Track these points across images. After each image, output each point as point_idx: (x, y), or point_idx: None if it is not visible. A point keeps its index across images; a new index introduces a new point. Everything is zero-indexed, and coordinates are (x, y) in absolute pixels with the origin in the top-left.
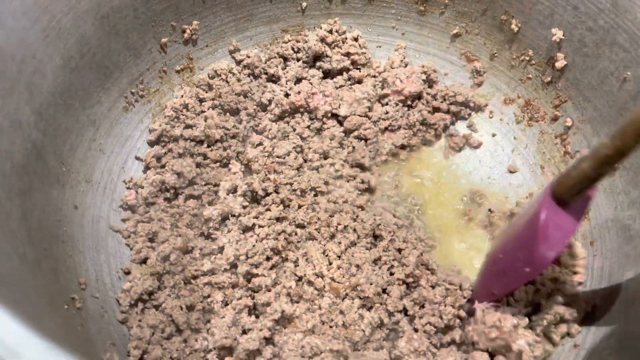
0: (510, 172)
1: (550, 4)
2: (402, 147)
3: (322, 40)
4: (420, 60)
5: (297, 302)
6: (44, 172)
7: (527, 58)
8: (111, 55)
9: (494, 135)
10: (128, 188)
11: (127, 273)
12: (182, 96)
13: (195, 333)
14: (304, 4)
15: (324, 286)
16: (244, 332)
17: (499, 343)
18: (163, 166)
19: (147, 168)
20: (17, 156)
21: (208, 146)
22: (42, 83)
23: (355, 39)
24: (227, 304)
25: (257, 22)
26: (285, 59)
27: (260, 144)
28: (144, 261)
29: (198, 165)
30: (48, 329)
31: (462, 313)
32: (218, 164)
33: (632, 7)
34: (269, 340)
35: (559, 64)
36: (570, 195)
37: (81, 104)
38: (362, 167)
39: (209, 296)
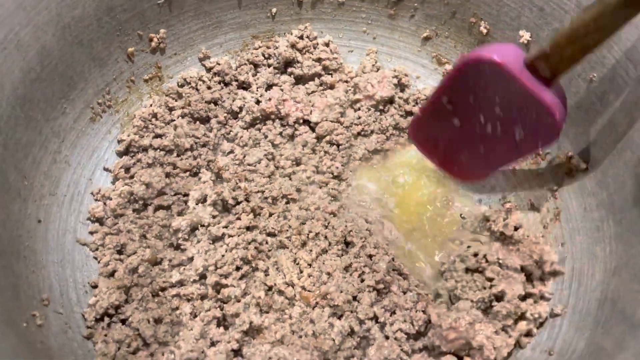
0: None
1: (516, 6)
2: (375, 151)
3: (293, 46)
4: (392, 64)
5: (267, 312)
6: (4, 186)
7: None
8: (75, 66)
9: None
10: (96, 200)
11: (95, 287)
12: (151, 105)
13: (162, 346)
14: (274, 10)
15: (295, 295)
16: (212, 344)
17: (459, 343)
18: (132, 177)
19: (115, 179)
20: None
21: (178, 155)
22: (0, 96)
23: (327, 44)
24: (195, 316)
25: (227, 29)
26: (256, 66)
27: (232, 151)
28: (112, 274)
29: (167, 175)
30: (2, 351)
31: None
32: (188, 173)
33: None
34: (237, 353)
35: None
36: (560, 61)
37: (44, 116)
38: (334, 174)
39: (177, 308)
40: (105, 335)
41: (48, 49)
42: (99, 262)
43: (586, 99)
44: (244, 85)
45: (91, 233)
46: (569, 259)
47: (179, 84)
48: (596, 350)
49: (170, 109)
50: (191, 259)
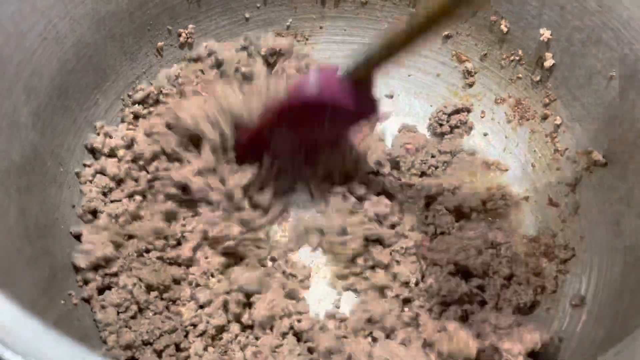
0: (502, 170)
1: (538, 4)
2: None
3: None
4: (413, 62)
5: None
6: (42, 171)
7: (517, 58)
8: (108, 59)
9: (485, 134)
10: None
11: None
12: None
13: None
14: (297, 8)
15: None
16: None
17: None
18: None
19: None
20: (15, 156)
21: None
22: (39, 85)
23: None
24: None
25: (252, 26)
26: None
27: None
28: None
29: None
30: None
31: None
32: None
33: (617, 5)
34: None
35: (547, 64)
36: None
37: (78, 106)
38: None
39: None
40: (103, 301)
41: (84, 41)
42: None
43: (606, 95)
44: None
45: None
46: (588, 252)
47: None
48: (615, 340)
49: None
50: None
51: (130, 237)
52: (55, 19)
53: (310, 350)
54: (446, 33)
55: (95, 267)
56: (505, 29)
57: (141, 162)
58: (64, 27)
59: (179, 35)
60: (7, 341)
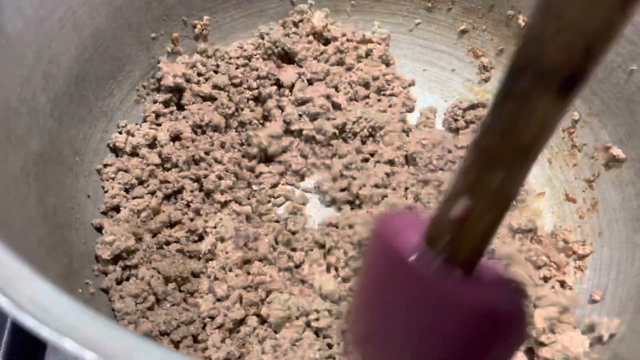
0: None
1: None
2: None
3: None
4: (428, 57)
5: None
6: (58, 160)
7: None
8: (124, 49)
9: None
10: None
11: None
12: None
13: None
14: (312, 1)
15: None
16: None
17: None
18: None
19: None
20: (34, 143)
21: None
22: (57, 73)
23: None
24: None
25: (267, 19)
26: None
27: None
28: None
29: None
30: None
31: None
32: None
33: None
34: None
35: None
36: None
37: (94, 95)
38: None
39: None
40: (121, 291)
41: (101, 30)
42: None
43: (626, 90)
44: None
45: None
46: (607, 247)
47: None
48: (636, 335)
49: None
50: None
51: (151, 231)
52: (75, 6)
53: (330, 346)
54: (462, 28)
55: (115, 258)
56: (522, 24)
57: (168, 165)
58: (83, 15)
59: (194, 26)
60: (44, 319)
